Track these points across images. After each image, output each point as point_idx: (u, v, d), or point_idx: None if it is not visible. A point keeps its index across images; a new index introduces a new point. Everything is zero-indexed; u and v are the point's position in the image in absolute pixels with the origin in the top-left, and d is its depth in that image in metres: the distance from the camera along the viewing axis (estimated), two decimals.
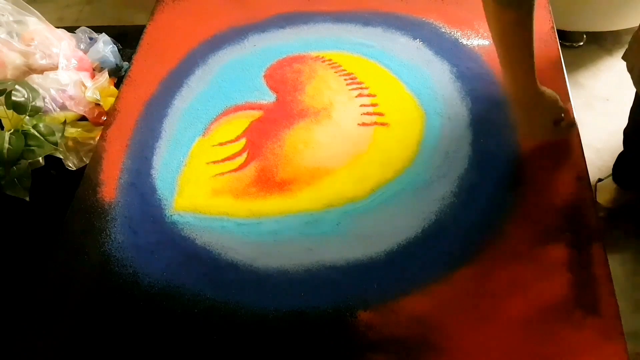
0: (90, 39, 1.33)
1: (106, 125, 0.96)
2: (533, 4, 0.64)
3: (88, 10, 1.55)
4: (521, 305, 0.65)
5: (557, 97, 0.75)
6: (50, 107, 1.13)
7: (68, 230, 0.82)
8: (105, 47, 1.28)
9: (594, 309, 0.63)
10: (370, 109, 0.89)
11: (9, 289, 0.88)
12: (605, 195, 1.36)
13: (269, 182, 0.82)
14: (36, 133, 1.00)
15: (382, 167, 0.81)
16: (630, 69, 0.93)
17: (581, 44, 1.75)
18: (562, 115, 0.77)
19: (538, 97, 0.73)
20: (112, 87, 1.23)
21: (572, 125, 0.80)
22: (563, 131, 0.79)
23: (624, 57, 0.95)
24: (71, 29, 1.32)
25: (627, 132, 1.21)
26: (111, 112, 0.98)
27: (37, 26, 1.24)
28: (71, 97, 1.15)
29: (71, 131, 1.13)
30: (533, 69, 0.70)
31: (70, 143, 1.13)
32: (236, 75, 0.99)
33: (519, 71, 0.71)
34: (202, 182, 0.84)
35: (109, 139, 0.93)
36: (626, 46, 0.94)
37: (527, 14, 0.65)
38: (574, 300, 0.65)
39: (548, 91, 0.74)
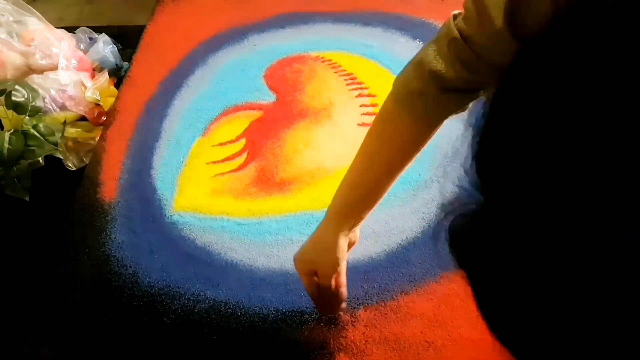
0: (90, 39, 1.33)
1: (106, 125, 0.96)
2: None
3: (88, 11, 1.54)
4: None
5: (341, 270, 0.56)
6: (50, 107, 1.13)
7: (68, 230, 0.82)
8: (105, 47, 1.28)
9: None
10: (370, 109, 0.89)
11: (10, 289, 0.88)
12: None
13: (269, 182, 0.82)
14: (36, 133, 1.00)
15: None
16: None
17: None
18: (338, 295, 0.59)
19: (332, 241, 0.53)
20: (112, 87, 1.23)
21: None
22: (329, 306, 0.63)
23: None
24: (71, 29, 1.32)
25: None
26: (111, 112, 0.98)
27: (37, 26, 1.24)
28: (71, 97, 1.15)
29: (71, 131, 1.13)
30: (354, 205, 0.53)
31: (70, 143, 1.12)
32: (236, 75, 0.99)
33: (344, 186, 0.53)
34: (202, 182, 0.84)
35: (109, 139, 0.93)
36: None
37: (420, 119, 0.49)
38: None
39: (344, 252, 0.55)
